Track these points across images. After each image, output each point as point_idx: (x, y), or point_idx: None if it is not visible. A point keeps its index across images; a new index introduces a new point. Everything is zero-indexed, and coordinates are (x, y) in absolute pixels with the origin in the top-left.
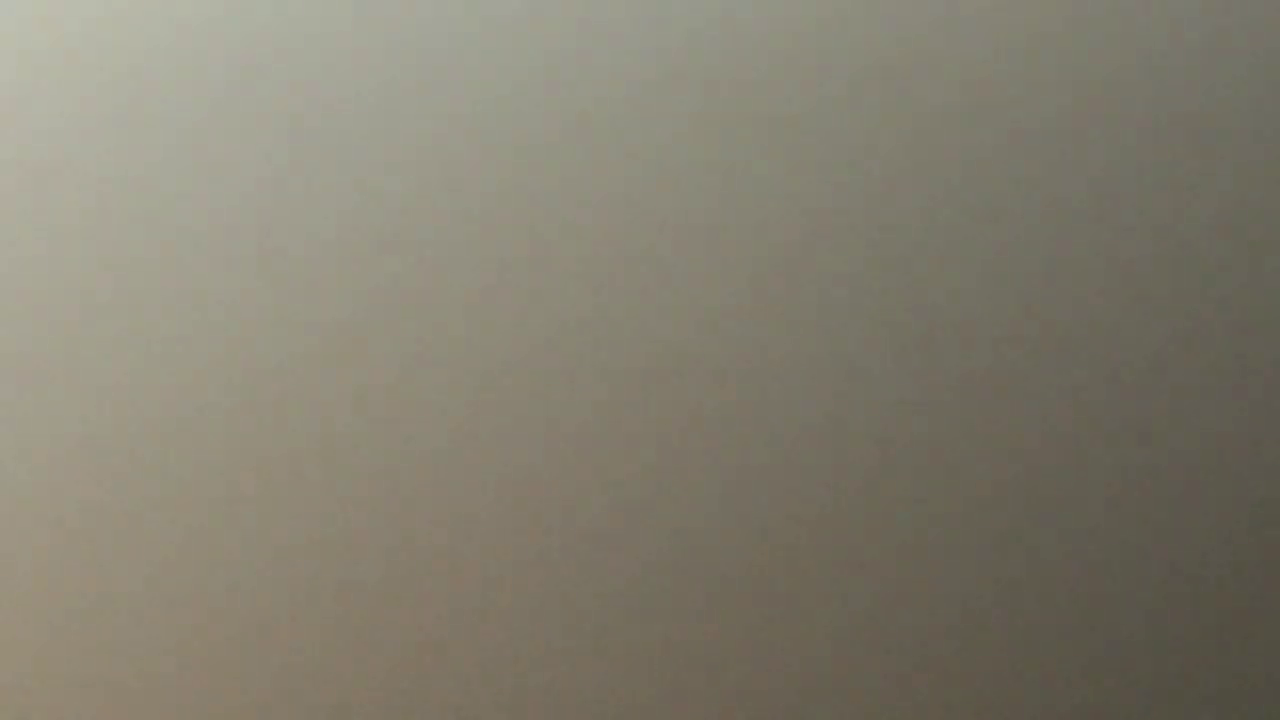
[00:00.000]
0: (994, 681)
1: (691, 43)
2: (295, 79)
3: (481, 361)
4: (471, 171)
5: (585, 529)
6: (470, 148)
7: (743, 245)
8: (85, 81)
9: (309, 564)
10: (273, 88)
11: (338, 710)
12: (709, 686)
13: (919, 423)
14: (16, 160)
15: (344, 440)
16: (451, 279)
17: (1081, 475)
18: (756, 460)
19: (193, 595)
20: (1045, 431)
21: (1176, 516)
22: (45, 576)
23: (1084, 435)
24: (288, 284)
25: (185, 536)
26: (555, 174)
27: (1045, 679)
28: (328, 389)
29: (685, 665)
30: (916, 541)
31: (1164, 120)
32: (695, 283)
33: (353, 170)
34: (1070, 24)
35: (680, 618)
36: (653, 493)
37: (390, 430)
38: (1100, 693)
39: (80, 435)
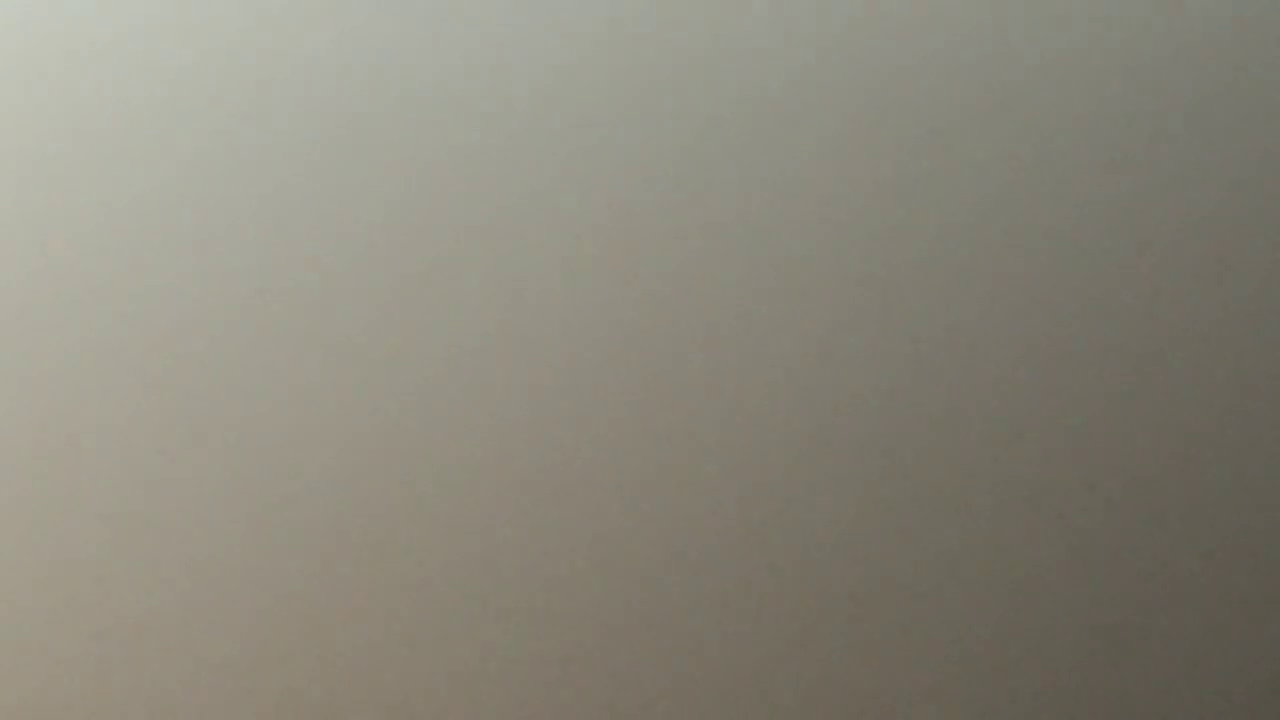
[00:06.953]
0: (994, 681)
1: (691, 44)
2: (304, 84)
3: (486, 363)
4: (480, 174)
5: (584, 528)
6: (481, 151)
7: (744, 245)
8: (90, 84)
9: (306, 565)
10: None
11: (337, 709)
12: (707, 687)
13: (922, 425)
14: (15, 162)
15: (344, 443)
16: (454, 280)
17: (1083, 477)
18: (757, 462)
19: (192, 595)
20: (1046, 433)
21: (1175, 516)
22: (44, 568)
23: (1085, 438)
24: (291, 285)
25: (184, 537)
26: (555, 175)
27: (1044, 680)
28: (328, 391)
29: (684, 665)
30: (916, 542)
31: (1180, 122)
32: (696, 283)
33: (357, 174)
34: (1079, 25)
35: (678, 617)
36: (654, 494)
37: (390, 429)
38: (1100, 693)
39: (79, 434)
